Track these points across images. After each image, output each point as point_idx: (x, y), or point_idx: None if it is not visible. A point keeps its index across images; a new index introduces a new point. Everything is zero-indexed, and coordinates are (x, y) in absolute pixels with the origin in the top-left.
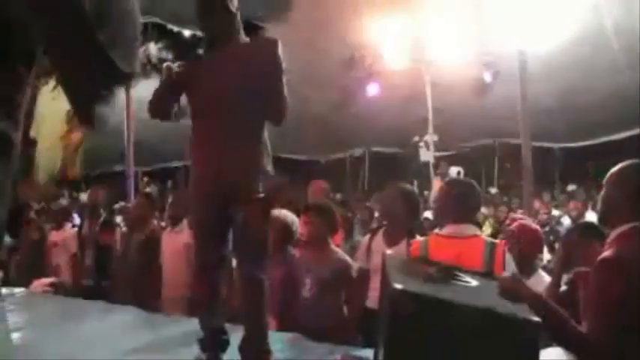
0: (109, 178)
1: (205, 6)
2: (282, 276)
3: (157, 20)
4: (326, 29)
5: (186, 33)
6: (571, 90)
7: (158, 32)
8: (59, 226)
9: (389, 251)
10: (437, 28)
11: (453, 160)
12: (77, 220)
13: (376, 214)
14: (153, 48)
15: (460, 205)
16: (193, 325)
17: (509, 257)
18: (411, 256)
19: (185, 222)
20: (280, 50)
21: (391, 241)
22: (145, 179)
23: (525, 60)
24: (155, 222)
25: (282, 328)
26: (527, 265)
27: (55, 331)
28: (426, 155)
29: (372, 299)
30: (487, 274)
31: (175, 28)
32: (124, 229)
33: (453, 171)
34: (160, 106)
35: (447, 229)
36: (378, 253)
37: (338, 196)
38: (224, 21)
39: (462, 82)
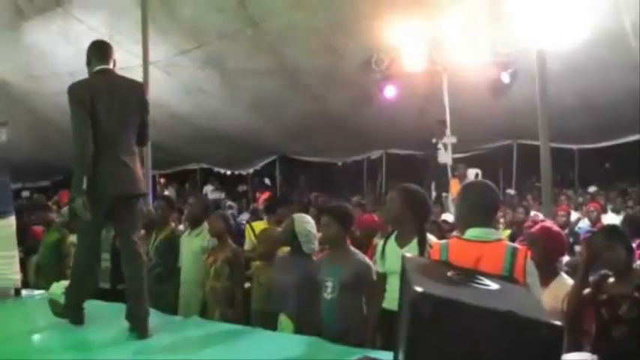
0: None
1: None
2: (300, 278)
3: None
4: (344, 31)
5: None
6: (590, 90)
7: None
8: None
9: (407, 254)
10: (455, 29)
11: (471, 162)
12: None
13: None
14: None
15: (480, 209)
16: (211, 327)
17: (530, 263)
18: (429, 258)
19: (205, 224)
20: None
21: (403, 243)
22: (162, 181)
23: (544, 59)
24: (174, 224)
25: (301, 330)
26: (549, 268)
27: (74, 333)
28: (444, 157)
29: (388, 300)
30: (507, 278)
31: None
32: (142, 231)
33: (471, 173)
34: None
35: (468, 233)
36: (391, 256)
37: (355, 198)
38: None
39: (479, 83)
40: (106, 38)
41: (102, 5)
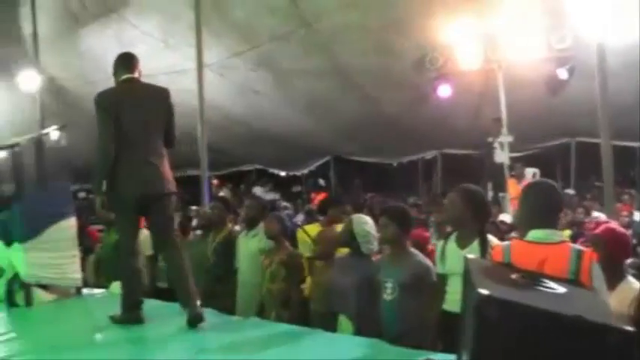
0: (182, 183)
1: None
2: (359, 279)
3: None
4: (397, 31)
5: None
6: None
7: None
8: None
9: (470, 255)
10: (509, 25)
11: (528, 161)
12: None
13: None
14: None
15: (544, 210)
16: (270, 328)
17: (596, 266)
18: (491, 259)
19: (261, 225)
20: None
21: (463, 244)
22: (215, 182)
23: (604, 54)
24: (230, 225)
25: (361, 331)
26: (615, 271)
27: (133, 332)
28: (501, 156)
29: (449, 302)
30: (573, 281)
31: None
32: (199, 232)
33: (529, 172)
34: None
35: (531, 235)
36: (451, 257)
37: (411, 199)
38: None
39: (536, 80)
40: (159, 42)
41: (155, 10)
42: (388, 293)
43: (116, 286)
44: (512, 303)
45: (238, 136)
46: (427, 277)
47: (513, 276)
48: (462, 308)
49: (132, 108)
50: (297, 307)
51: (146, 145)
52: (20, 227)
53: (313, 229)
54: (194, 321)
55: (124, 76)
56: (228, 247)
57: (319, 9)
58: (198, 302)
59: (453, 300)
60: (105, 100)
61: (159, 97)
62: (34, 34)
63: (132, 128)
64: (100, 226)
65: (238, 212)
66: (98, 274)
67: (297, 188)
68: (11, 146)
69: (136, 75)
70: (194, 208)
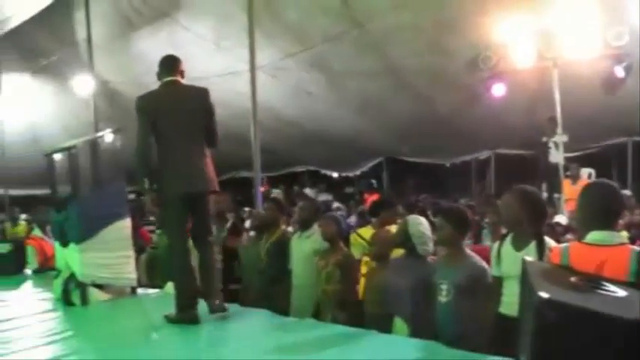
0: (235, 184)
1: None
2: (415, 280)
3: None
4: (450, 30)
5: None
6: None
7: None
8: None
9: (528, 257)
10: (565, 22)
11: (583, 161)
12: None
13: None
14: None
15: (603, 211)
16: (326, 329)
17: None
18: (549, 262)
19: (315, 226)
20: None
21: (520, 246)
22: (262, 189)
23: None
24: (284, 226)
25: (416, 333)
26: None
27: (188, 332)
28: (556, 156)
29: (505, 305)
30: (634, 284)
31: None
32: (252, 233)
33: (584, 172)
34: None
35: (590, 237)
36: (507, 259)
37: (463, 200)
38: None
39: (592, 78)
40: (212, 45)
41: (208, 12)
42: (443, 295)
43: (171, 286)
44: (573, 306)
45: (291, 137)
46: (483, 279)
47: (573, 279)
48: (519, 311)
49: (171, 110)
50: (353, 308)
51: (187, 146)
52: (76, 228)
53: (366, 232)
54: (216, 310)
55: (166, 79)
56: (281, 248)
57: (372, 9)
58: (219, 299)
59: (509, 303)
60: (143, 104)
61: (198, 97)
62: (88, 39)
63: (172, 129)
64: (150, 227)
65: (291, 213)
66: (150, 273)
67: (349, 189)
68: (68, 149)
69: (178, 77)
70: (247, 209)
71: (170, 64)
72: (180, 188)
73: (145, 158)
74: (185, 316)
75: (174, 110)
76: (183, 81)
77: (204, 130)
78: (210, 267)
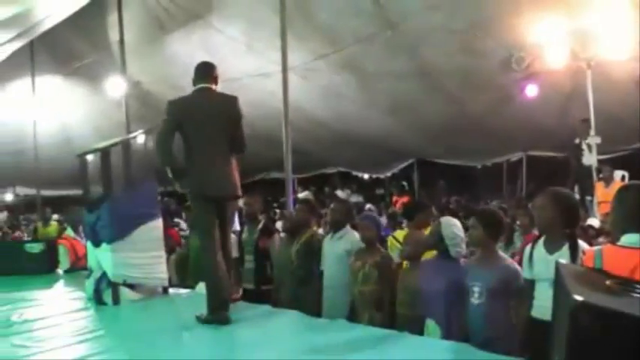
0: (265, 185)
1: None
2: (447, 282)
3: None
4: (483, 30)
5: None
6: None
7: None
8: None
9: (561, 260)
10: (599, 23)
11: (616, 163)
12: (237, 225)
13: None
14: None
15: (637, 213)
16: (357, 330)
17: None
18: (582, 265)
19: (347, 228)
20: None
21: (552, 250)
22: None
23: None
24: (315, 227)
25: (448, 335)
26: None
27: (219, 332)
28: (589, 158)
29: (536, 309)
30: None
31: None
32: (283, 234)
33: (617, 175)
34: None
35: (624, 239)
36: (540, 262)
37: (495, 202)
38: None
39: (625, 79)
40: (244, 47)
41: (240, 15)
42: (475, 297)
43: (202, 287)
44: (608, 310)
45: (321, 138)
46: (515, 281)
47: (608, 282)
48: (552, 315)
49: (198, 116)
50: (390, 309)
51: (212, 150)
52: (108, 228)
53: (402, 235)
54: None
55: (199, 85)
56: (311, 250)
57: (404, 10)
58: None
59: (540, 307)
60: (171, 108)
61: (226, 104)
62: (121, 41)
63: (198, 134)
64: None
65: (322, 214)
66: (181, 273)
67: (379, 191)
68: (100, 150)
69: (210, 84)
70: (278, 210)
71: (203, 71)
72: (207, 191)
73: (163, 148)
74: (216, 317)
75: (202, 116)
76: (219, 86)
77: (230, 137)
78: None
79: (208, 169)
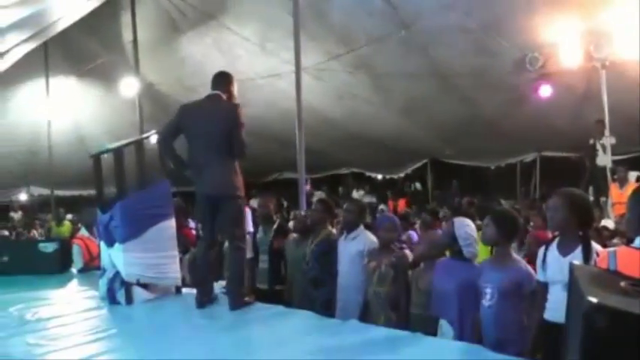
0: (278, 185)
1: None
2: (460, 283)
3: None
4: (497, 31)
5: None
6: None
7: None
8: None
9: (575, 262)
10: (614, 23)
11: (632, 164)
12: (250, 226)
13: None
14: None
15: None
16: (370, 331)
17: None
18: (595, 267)
19: (361, 228)
20: None
21: (566, 252)
22: (308, 185)
23: None
24: (330, 228)
25: (461, 336)
26: None
27: (232, 331)
28: (603, 159)
29: (550, 311)
30: None
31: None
32: (297, 235)
33: (632, 176)
34: None
35: (639, 241)
36: (553, 264)
37: (507, 203)
38: None
39: None
40: (257, 47)
41: (254, 15)
42: (487, 299)
43: (217, 286)
44: (623, 312)
45: (335, 139)
46: (527, 284)
47: (622, 284)
48: (567, 316)
49: (199, 119)
50: (406, 309)
51: (207, 153)
52: (121, 228)
53: None
54: (231, 307)
55: (210, 92)
56: (326, 250)
57: (417, 10)
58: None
59: (554, 309)
60: (178, 110)
61: (226, 111)
62: (134, 42)
63: (195, 137)
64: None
65: (336, 215)
66: (194, 273)
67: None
68: (113, 150)
69: (221, 92)
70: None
71: (217, 80)
72: (198, 188)
73: (161, 145)
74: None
75: (202, 120)
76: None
77: (226, 141)
78: (231, 268)
79: (202, 168)
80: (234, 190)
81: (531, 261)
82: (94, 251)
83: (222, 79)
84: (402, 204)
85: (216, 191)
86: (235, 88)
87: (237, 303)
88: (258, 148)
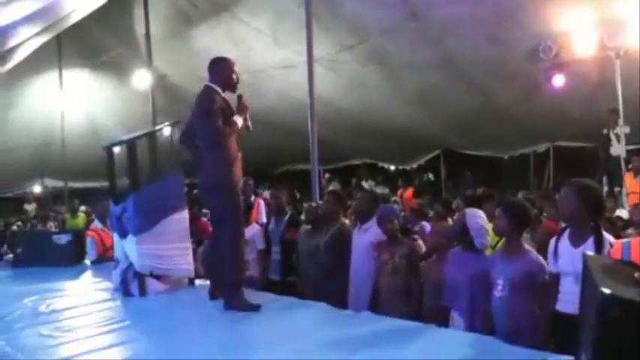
0: (290, 177)
1: None
2: (472, 274)
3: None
4: (510, 20)
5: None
6: None
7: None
8: (247, 223)
9: (589, 252)
10: (628, 11)
11: None
12: (264, 217)
13: None
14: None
15: None
16: (383, 322)
17: None
18: (609, 257)
19: (374, 219)
20: None
21: (577, 243)
22: (327, 176)
23: None
24: (343, 219)
25: (473, 327)
26: None
27: (244, 324)
28: (617, 149)
29: (561, 302)
30: None
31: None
32: (309, 226)
33: None
34: None
35: None
36: (565, 255)
37: (521, 193)
38: None
39: None
40: (269, 39)
41: (266, 6)
42: (499, 290)
43: None
44: (637, 303)
45: (347, 130)
46: (539, 275)
47: (636, 274)
48: (580, 307)
49: (192, 115)
50: (419, 300)
51: (194, 142)
52: (134, 220)
53: None
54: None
55: None
56: (339, 241)
57: (429, 1)
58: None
59: (565, 300)
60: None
61: (197, 100)
62: (147, 34)
63: (188, 126)
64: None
65: (348, 206)
66: (208, 264)
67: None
68: (126, 142)
69: (212, 81)
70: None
71: (208, 70)
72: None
73: (183, 139)
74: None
75: (192, 114)
76: (245, 77)
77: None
78: (216, 257)
79: (196, 158)
80: (211, 180)
81: (542, 251)
82: (107, 243)
83: (212, 68)
84: (408, 193)
85: (200, 182)
86: (230, 71)
87: (223, 300)
88: (270, 140)
